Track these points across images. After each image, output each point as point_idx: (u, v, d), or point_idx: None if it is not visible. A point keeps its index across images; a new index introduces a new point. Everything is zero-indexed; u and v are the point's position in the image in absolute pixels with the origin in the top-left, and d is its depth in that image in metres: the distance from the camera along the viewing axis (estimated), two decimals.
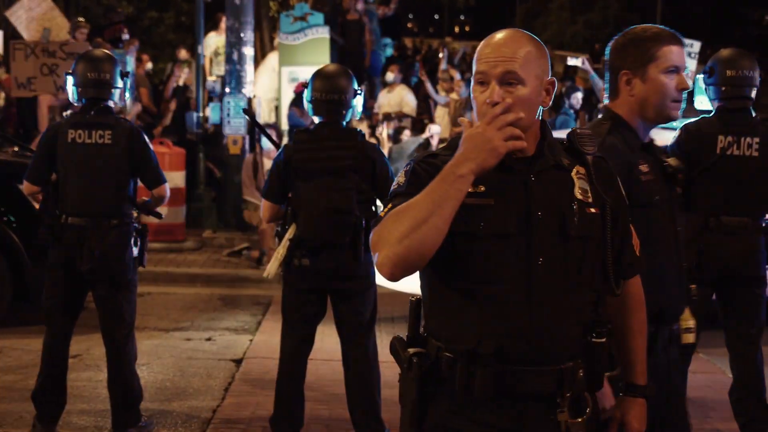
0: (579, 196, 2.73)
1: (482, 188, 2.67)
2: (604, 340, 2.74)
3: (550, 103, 2.75)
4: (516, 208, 2.67)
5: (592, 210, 2.74)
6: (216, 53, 16.09)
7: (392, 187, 2.76)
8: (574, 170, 2.77)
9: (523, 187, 2.69)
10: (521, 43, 2.71)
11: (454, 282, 2.71)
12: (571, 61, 17.00)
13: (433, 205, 2.55)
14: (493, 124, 2.59)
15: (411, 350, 2.73)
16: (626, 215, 2.92)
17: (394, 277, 2.63)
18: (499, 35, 2.74)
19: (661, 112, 3.52)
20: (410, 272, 2.63)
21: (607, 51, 3.63)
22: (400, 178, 2.76)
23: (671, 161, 3.68)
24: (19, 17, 12.52)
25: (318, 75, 5.53)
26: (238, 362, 7.62)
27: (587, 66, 16.41)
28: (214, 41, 16.29)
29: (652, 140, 3.66)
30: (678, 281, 3.54)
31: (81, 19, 13.67)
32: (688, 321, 3.68)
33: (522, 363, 2.65)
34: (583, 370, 2.72)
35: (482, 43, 2.77)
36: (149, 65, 16.78)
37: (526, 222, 2.67)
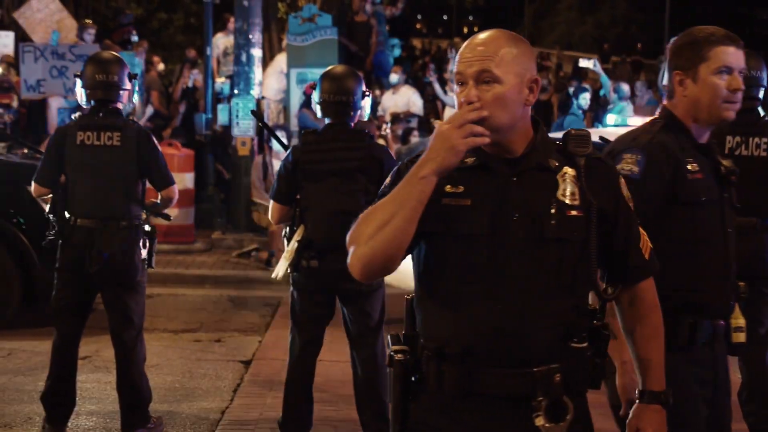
0: (562, 198, 2.69)
1: (461, 189, 2.70)
2: (585, 345, 2.70)
3: (534, 100, 2.72)
4: (492, 209, 2.68)
5: (574, 212, 2.69)
6: (225, 53, 16.10)
7: (381, 189, 2.80)
8: (562, 172, 2.72)
9: (502, 188, 2.69)
10: (498, 42, 2.70)
11: (433, 281, 2.74)
12: (583, 63, 17.02)
13: (396, 207, 2.61)
14: (452, 123, 2.60)
15: (395, 347, 2.76)
16: (629, 217, 2.86)
17: (364, 278, 2.70)
18: (479, 36, 2.75)
19: (713, 112, 3.51)
20: (381, 273, 2.69)
21: (667, 51, 3.66)
22: (387, 179, 2.79)
23: (726, 163, 3.63)
24: (27, 18, 12.57)
25: (326, 76, 5.53)
26: (246, 363, 7.63)
27: (599, 68, 16.42)
28: (222, 42, 16.31)
29: (710, 141, 3.63)
30: (724, 279, 3.53)
31: (88, 21, 13.71)
32: (738, 320, 3.63)
33: (491, 364, 2.66)
34: (560, 374, 2.67)
35: (463, 44, 2.78)
36: (161, 66, 16.82)
37: (501, 223, 2.66)
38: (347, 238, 2.71)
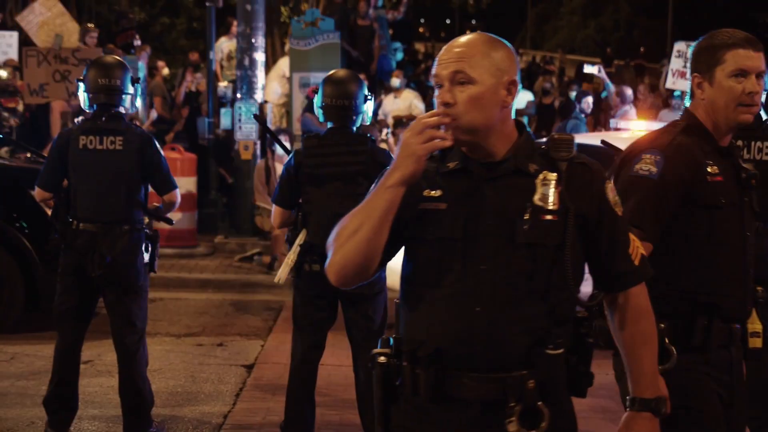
0: (537, 203, 2.67)
1: (439, 193, 2.72)
2: (560, 352, 2.67)
3: (512, 102, 2.72)
4: (466, 213, 2.68)
5: (549, 217, 2.67)
6: (229, 57, 16.13)
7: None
8: (541, 176, 2.70)
9: (478, 192, 2.70)
10: (474, 44, 2.72)
11: (410, 285, 2.76)
12: (588, 69, 17.03)
13: (364, 216, 2.67)
14: (413, 130, 2.61)
15: (377, 350, 2.77)
16: (615, 222, 2.80)
17: (339, 284, 2.74)
18: (458, 39, 2.77)
19: (728, 115, 3.50)
20: (355, 279, 2.73)
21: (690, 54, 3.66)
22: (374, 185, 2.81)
23: (748, 166, 3.62)
24: (29, 22, 12.58)
25: (328, 80, 5.54)
26: (249, 368, 7.63)
27: (603, 74, 16.43)
28: (225, 45, 16.33)
29: (732, 144, 3.62)
30: (741, 283, 3.51)
31: (90, 24, 13.72)
32: (755, 324, 3.60)
33: (464, 368, 2.66)
34: (534, 381, 2.65)
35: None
36: (165, 71, 16.83)
37: (474, 228, 2.67)
38: (327, 243, 2.75)
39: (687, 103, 3.66)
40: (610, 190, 2.81)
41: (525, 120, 16.70)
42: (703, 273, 3.43)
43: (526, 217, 2.65)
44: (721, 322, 3.45)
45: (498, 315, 2.65)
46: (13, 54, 13.00)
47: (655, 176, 3.40)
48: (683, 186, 3.42)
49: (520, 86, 2.79)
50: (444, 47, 2.76)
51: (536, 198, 2.68)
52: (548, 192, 2.68)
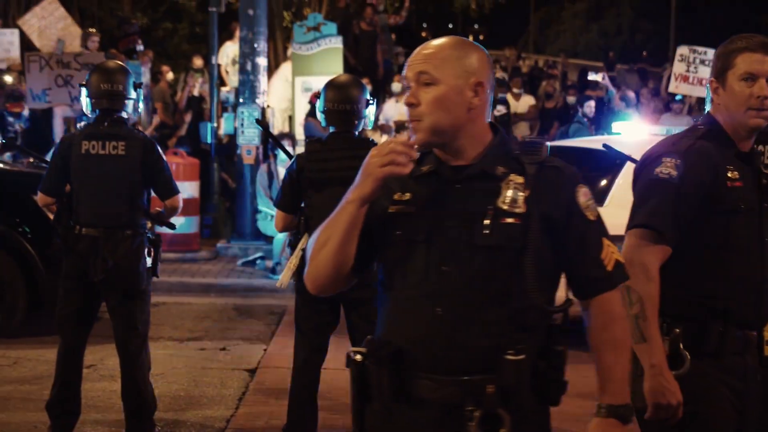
0: (500, 206, 2.66)
1: (408, 196, 2.75)
2: (521, 358, 2.62)
3: (479, 104, 2.71)
4: (431, 216, 2.70)
5: (510, 220, 2.65)
6: (234, 61, 16.15)
7: None
8: (508, 179, 2.69)
9: (445, 195, 2.71)
10: (441, 46, 2.73)
11: (382, 287, 2.80)
12: (592, 76, 17.07)
13: (330, 230, 2.73)
14: (379, 152, 2.65)
15: (352, 349, 2.79)
16: (586, 227, 2.75)
17: (317, 292, 2.79)
18: (428, 43, 2.78)
19: (739, 120, 3.48)
20: (331, 288, 2.79)
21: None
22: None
23: None
24: (31, 26, 12.60)
25: (330, 85, 5.54)
26: (251, 372, 7.63)
27: (607, 81, 16.44)
28: (231, 50, 16.35)
29: (753, 149, 3.58)
30: (758, 289, 3.47)
31: (92, 29, 13.74)
32: None
33: (423, 369, 2.66)
34: (494, 386, 2.62)
35: None
36: (170, 76, 16.84)
37: (438, 230, 2.68)
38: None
39: (707, 107, 3.65)
40: (582, 195, 2.76)
41: (527, 124, 16.71)
42: (720, 279, 3.41)
43: (487, 220, 2.65)
44: (735, 329, 3.42)
45: (458, 317, 2.65)
46: (15, 52, 12.97)
47: (675, 180, 3.38)
48: (703, 190, 3.39)
49: (490, 93, 2.78)
50: (415, 50, 2.79)
51: (500, 201, 2.67)
52: (513, 195, 2.67)
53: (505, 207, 2.66)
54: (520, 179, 2.69)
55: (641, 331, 3.33)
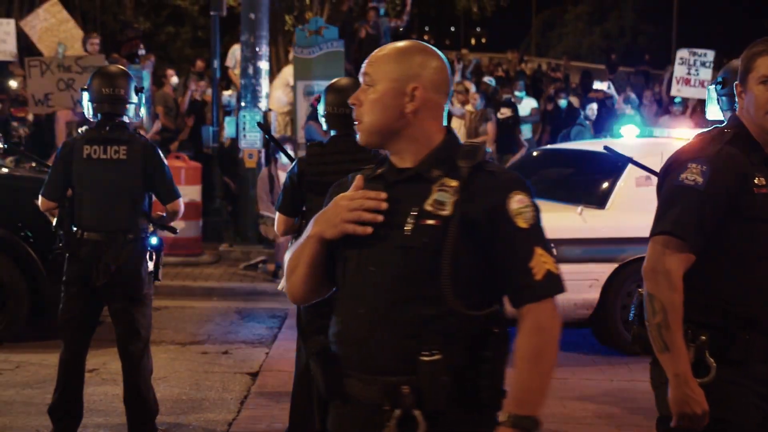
0: (426, 208, 2.67)
1: None
2: (436, 358, 2.60)
3: (414, 108, 2.72)
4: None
5: (431, 222, 2.65)
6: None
7: None
8: (441, 181, 2.70)
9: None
10: (389, 49, 2.79)
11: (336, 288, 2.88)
12: (597, 85, 17.10)
13: (296, 259, 2.84)
14: (350, 202, 2.72)
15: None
16: (514, 234, 2.68)
17: (298, 304, 2.98)
18: (386, 46, 2.84)
19: (760, 123, 3.43)
20: (312, 299, 2.92)
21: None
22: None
23: None
24: (33, 27, 12.59)
25: (330, 89, 5.55)
26: (254, 375, 7.64)
27: (612, 90, 16.47)
28: (239, 53, 16.35)
29: None
30: None
31: (93, 33, 13.75)
32: None
33: (350, 369, 2.72)
34: (410, 387, 2.62)
35: None
36: (174, 80, 16.85)
37: (372, 232, 2.71)
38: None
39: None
40: (516, 201, 2.69)
41: (529, 126, 16.72)
42: (745, 285, 3.35)
43: (409, 220, 2.68)
44: (761, 336, 3.37)
45: (377, 317, 2.68)
46: (12, 43, 12.83)
47: (701, 186, 3.32)
48: (729, 197, 3.34)
49: (448, 102, 2.81)
50: None
51: (427, 203, 2.69)
52: (441, 197, 2.68)
53: (430, 209, 2.68)
54: (453, 182, 2.69)
55: (664, 341, 3.30)
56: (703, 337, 3.33)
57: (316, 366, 2.77)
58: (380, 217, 2.69)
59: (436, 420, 2.65)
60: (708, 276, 3.38)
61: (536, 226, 2.70)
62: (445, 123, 2.83)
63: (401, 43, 2.82)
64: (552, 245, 2.74)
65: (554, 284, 2.69)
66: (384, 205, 2.70)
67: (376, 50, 2.82)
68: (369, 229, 2.69)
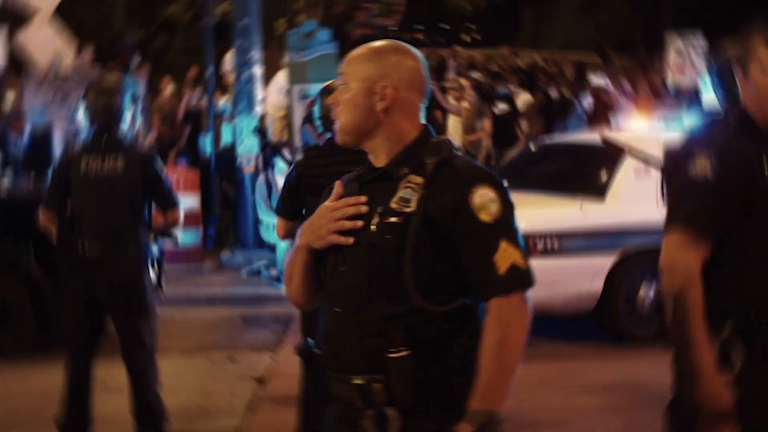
0: (392, 205, 2.69)
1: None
2: (403, 354, 2.61)
3: (384, 107, 2.74)
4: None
5: (393, 219, 2.67)
6: None
7: None
8: (407, 179, 2.71)
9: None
10: (363, 50, 2.82)
11: None
12: (596, 81, 17.11)
13: (291, 268, 2.87)
14: (334, 212, 2.74)
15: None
16: (478, 229, 2.65)
17: (299, 308, 2.97)
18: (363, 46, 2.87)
19: (762, 113, 3.36)
20: (310, 305, 2.92)
21: None
22: None
23: None
24: (26, 37, 12.58)
25: (325, 91, 5.56)
26: (260, 380, 7.64)
27: (610, 86, 16.47)
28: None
29: None
30: None
31: (87, 44, 13.74)
32: None
33: (329, 368, 2.75)
34: (381, 385, 2.63)
35: None
36: (170, 88, 16.84)
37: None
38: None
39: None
40: (478, 196, 2.66)
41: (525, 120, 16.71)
42: (764, 285, 3.26)
43: (374, 219, 2.70)
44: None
45: (349, 316, 2.71)
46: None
47: (711, 181, 3.24)
48: (741, 189, 3.26)
49: (417, 95, 2.80)
50: None
51: (393, 201, 2.70)
52: (406, 194, 2.69)
53: (395, 206, 2.69)
54: (419, 179, 2.70)
55: (686, 336, 3.22)
56: (727, 334, 3.26)
57: (302, 366, 2.84)
58: (360, 223, 2.71)
59: (411, 417, 2.65)
60: (728, 271, 3.30)
61: (502, 219, 2.68)
62: (423, 121, 2.83)
63: (377, 43, 2.84)
64: (520, 237, 2.71)
65: (519, 278, 2.66)
66: (364, 209, 2.71)
67: (354, 51, 2.84)
68: (351, 240, 2.71)
